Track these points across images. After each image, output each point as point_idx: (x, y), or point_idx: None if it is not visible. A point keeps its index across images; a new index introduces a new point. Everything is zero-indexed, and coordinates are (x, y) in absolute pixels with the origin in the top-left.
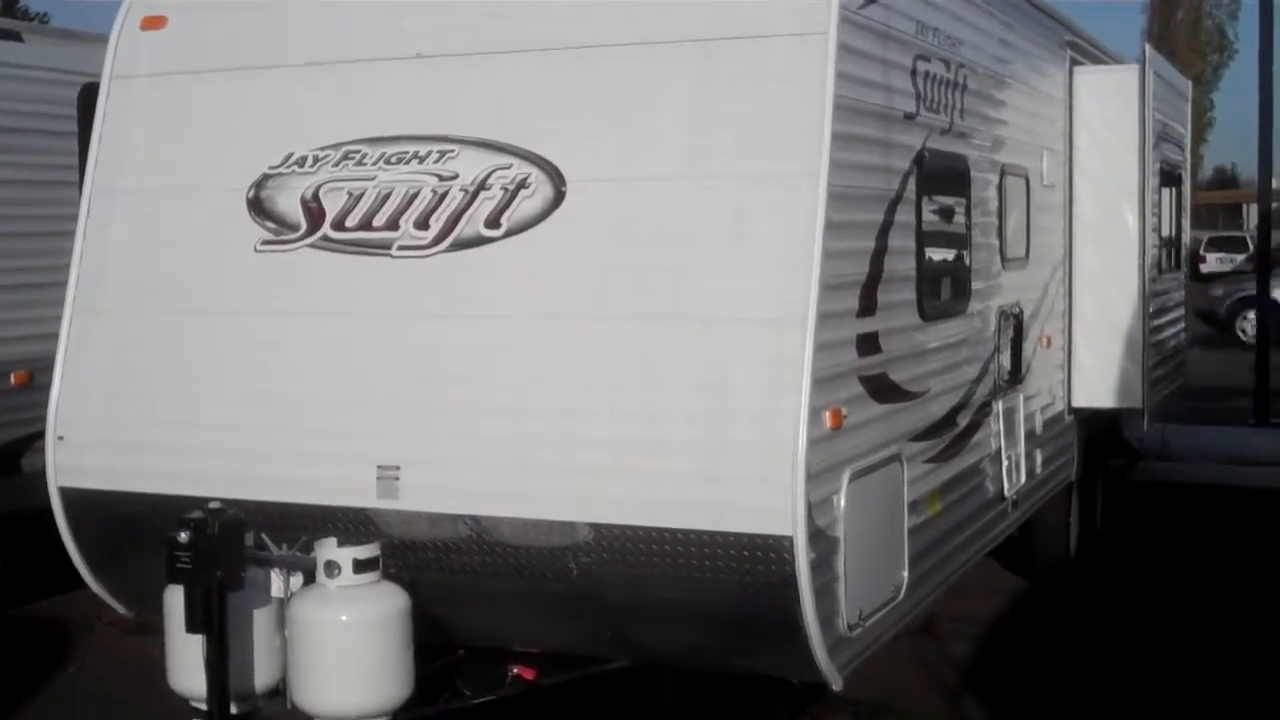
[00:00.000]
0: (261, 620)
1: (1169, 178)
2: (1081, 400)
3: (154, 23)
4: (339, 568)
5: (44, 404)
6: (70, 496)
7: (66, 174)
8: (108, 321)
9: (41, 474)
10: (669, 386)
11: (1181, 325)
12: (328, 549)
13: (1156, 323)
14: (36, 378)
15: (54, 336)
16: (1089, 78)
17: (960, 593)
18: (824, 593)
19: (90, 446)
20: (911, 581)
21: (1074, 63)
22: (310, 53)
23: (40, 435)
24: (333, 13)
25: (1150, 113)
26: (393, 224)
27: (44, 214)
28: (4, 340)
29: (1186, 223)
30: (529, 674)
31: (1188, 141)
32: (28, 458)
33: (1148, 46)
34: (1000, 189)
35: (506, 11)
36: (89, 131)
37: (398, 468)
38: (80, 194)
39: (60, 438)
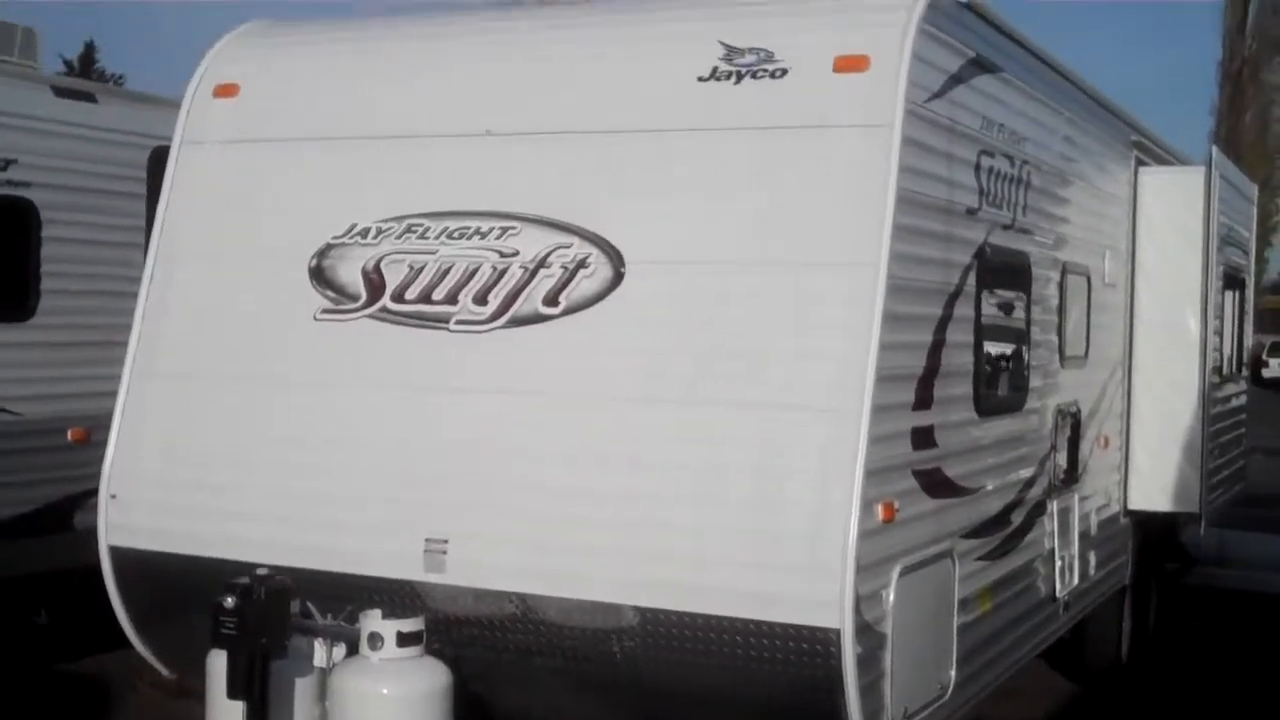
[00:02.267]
0: (303, 689)
1: (1232, 281)
2: (1138, 503)
3: (227, 91)
4: (383, 640)
5: (99, 462)
6: (120, 555)
7: (133, 235)
8: (166, 383)
9: (92, 531)
10: (720, 473)
11: (1242, 430)
12: (372, 621)
13: (1216, 427)
14: (93, 435)
15: (112, 395)
16: (1154, 178)
17: (1009, 694)
18: (870, 689)
19: (142, 507)
20: (959, 681)
21: (1139, 162)
22: (378, 126)
23: (93, 493)
24: (403, 87)
25: (1215, 215)
26: (452, 298)
27: (109, 274)
28: (63, 397)
29: (1249, 327)
30: None
31: (1252, 245)
32: (80, 515)
33: (1214, 149)
34: (1061, 286)
35: (574, 93)
36: (157, 194)
37: (446, 541)
38: (145, 256)
39: (113, 496)
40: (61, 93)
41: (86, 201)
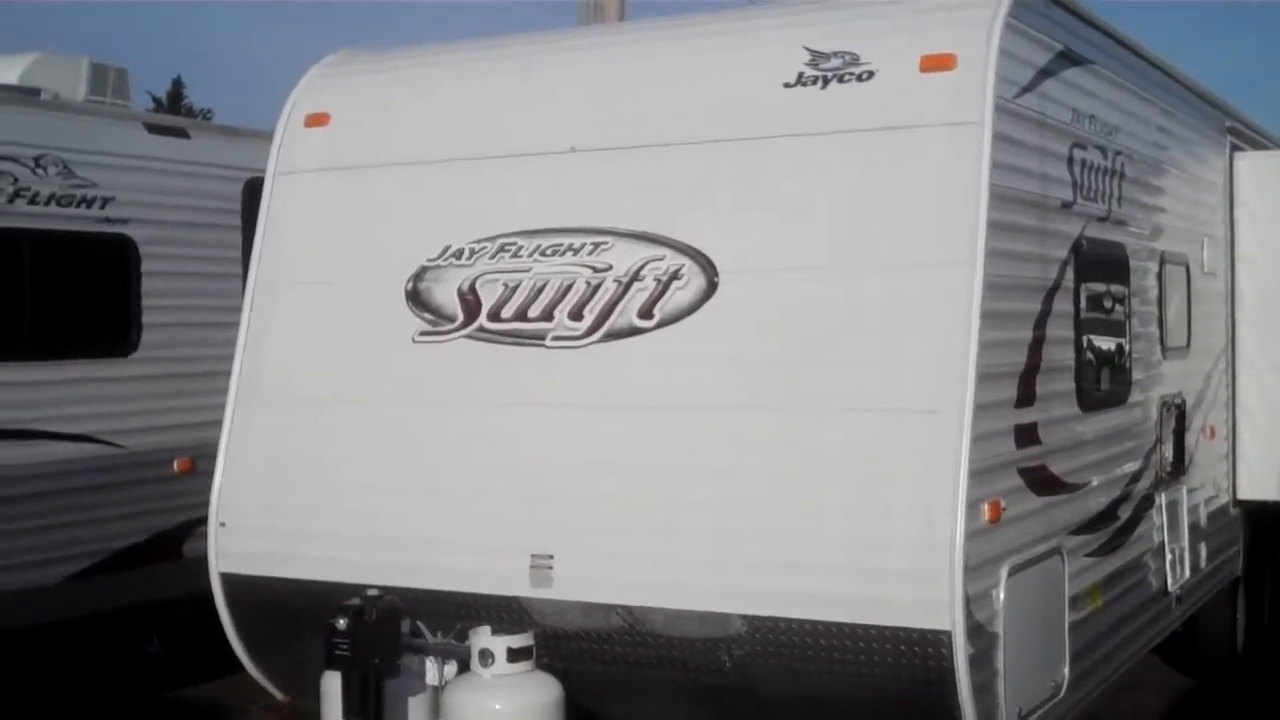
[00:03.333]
0: (417, 707)
1: None
2: (1247, 492)
3: (318, 120)
4: (493, 656)
5: (205, 491)
6: (231, 582)
7: (230, 266)
8: (269, 410)
9: (201, 559)
10: (823, 478)
11: None
12: (482, 637)
13: None
14: (199, 465)
15: (216, 424)
16: (1250, 163)
17: (1123, 690)
18: (983, 689)
19: (251, 533)
20: (1073, 678)
21: (1234, 148)
22: (466, 148)
23: (201, 521)
24: (487, 109)
25: None
26: (547, 315)
27: (207, 305)
28: (168, 428)
29: None
30: None
31: None
32: (189, 543)
33: None
34: (1160, 277)
35: (659, 106)
36: (252, 225)
37: (551, 557)
38: (243, 286)
39: (222, 524)
40: (155, 129)
41: (183, 235)
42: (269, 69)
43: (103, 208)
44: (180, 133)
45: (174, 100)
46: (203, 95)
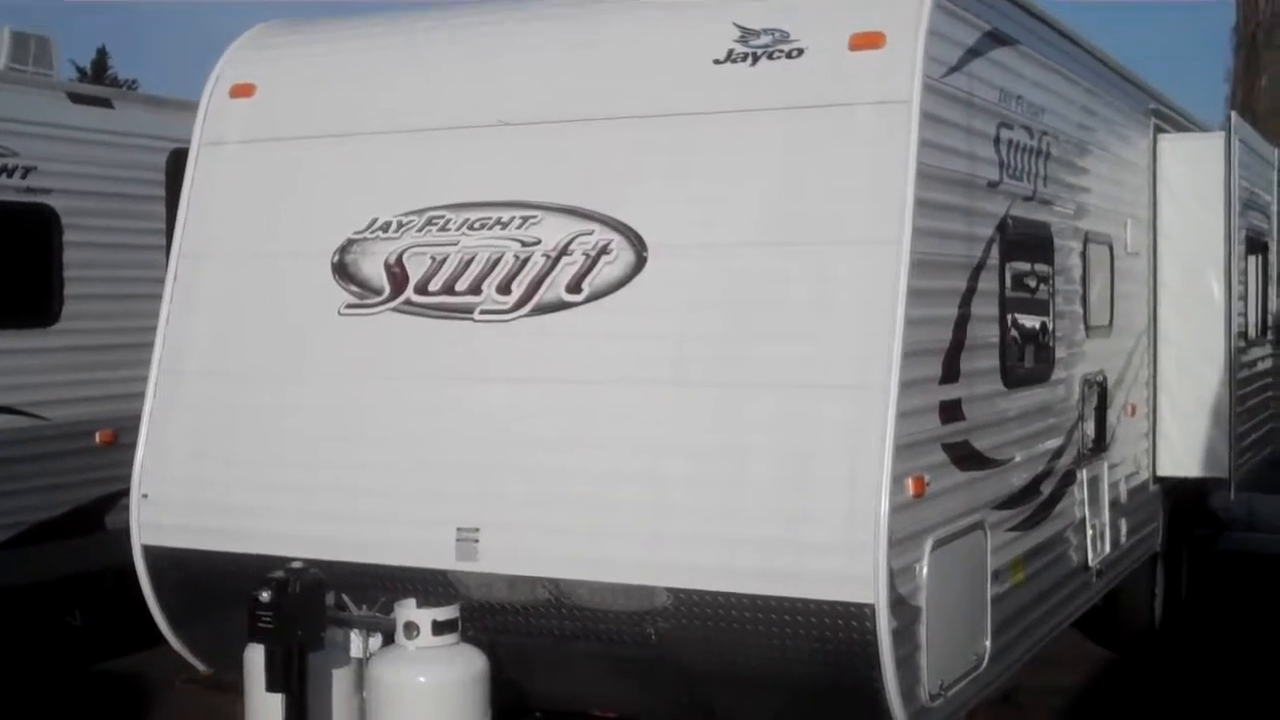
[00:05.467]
0: (341, 680)
1: (1255, 245)
2: (1167, 469)
3: (243, 91)
4: (418, 629)
5: (128, 463)
6: (153, 554)
7: (154, 238)
8: (193, 382)
9: (123, 532)
10: (749, 452)
11: (1270, 393)
12: (407, 610)
13: (1243, 391)
14: (121, 437)
15: (139, 396)
16: (1174, 145)
17: (1043, 663)
18: (905, 662)
19: (174, 505)
20: (994, 651)
21: (1158, 130)
22: (394, 120)
23: (124, 493)
24: (417, 81)
25: (1236, 180)
26: (475, 289)
27: (130, 276)
28: (90, 400)
29: (1274, 290)
30: None
31: (1274, 209)
32: (111, 515)
33: (1233, 114)
34: (1084, 256)
35: (589, 80)
36: (176, 196)
37: (477, 530)
38: (167, 258)
39: (145, 496)
40: (78, 99)
41: (106, 206)
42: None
43: (24, 177)
44: (104, 102)
45: (98, 70)
46: (128, 65)
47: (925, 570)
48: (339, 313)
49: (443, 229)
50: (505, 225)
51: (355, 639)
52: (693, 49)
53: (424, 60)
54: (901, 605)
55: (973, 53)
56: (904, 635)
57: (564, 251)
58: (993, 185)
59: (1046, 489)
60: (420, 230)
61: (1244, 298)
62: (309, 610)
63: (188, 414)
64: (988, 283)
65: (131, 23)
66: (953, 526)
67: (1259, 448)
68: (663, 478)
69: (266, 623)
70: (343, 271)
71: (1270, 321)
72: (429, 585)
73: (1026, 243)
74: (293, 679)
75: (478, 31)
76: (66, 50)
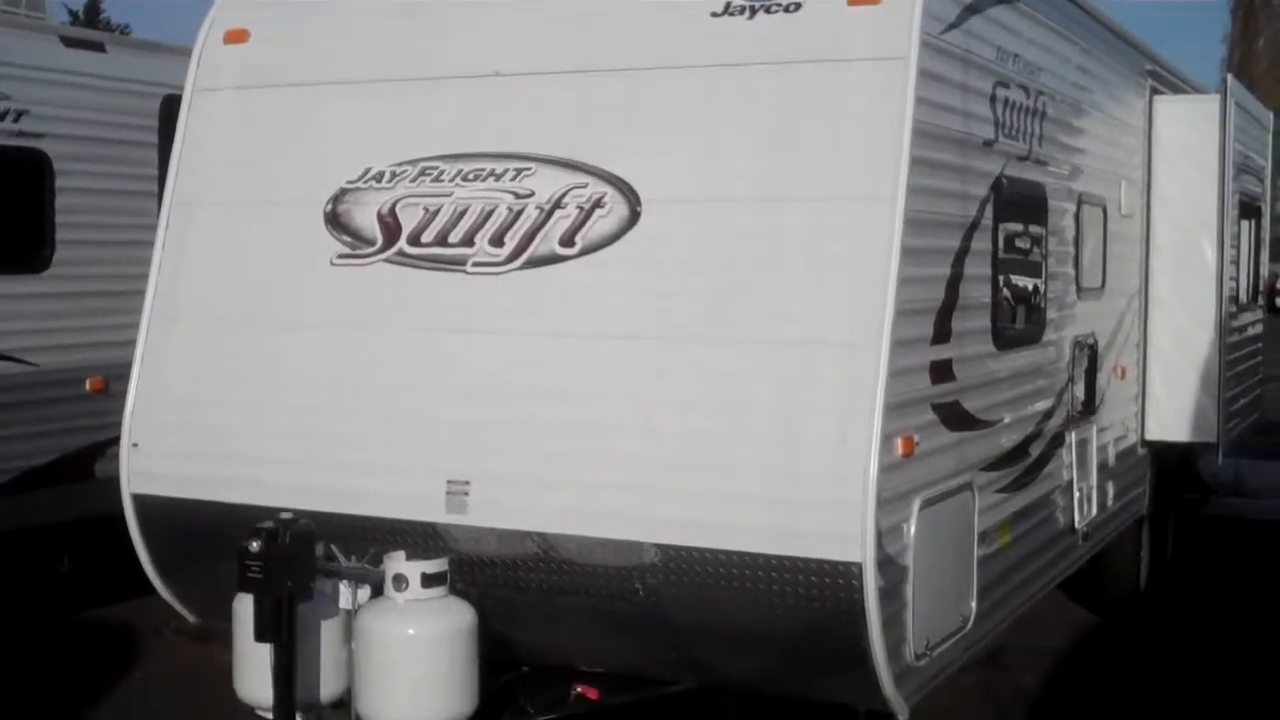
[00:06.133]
0: (329, 631)
1: (1248, 210)
2: (1155, 433)
3: (237, 37)
4: (407, 581)
5: (118, 411)
6: (143, 503)
7: (146, 184)
8: (184, 331)
9: (113, 480)
10: (740, 409)
11: (1259, 359)
12: (396, 562)
13: (1233, 356)
14: (112, 385)
15: (130, 344)
16: (1169, 107)
17: (1029, 625)
18: (892, 621)
19: (164, 454)
20: (980, 612)
21: (1154, 92)
22: (389, 69)
23: (113, 441)
24: (412, 30)
25: (1230, 143)
26: (468, 240)
27: (122, 223)
28: (81, 346)
29: (1265, 255)
30: (592, 694)
31: (1268, 173)
32: (100, 463)
33: (1229, 76)
34: (1077, 218)
35: (585, 32)
36: (169, 143)
37: (467, 483)
38: (159, 205)
39: (135, 445)
40: (71, 43)
41: (99, 151)
42: None
43: (16, 121)
44: (97, 47)
45: (91, 14)
46: (120, 10)
47: (913, 530)
48: (331, 262)
49: (436, 180)
50: (499, 177)
51: (344, 590)
52: (691, 1)
53: (420, 9)
54: (889, 564)
55: (971, 9)
56: (890, 594)
57: (557, 204)
58: (988, 144)
59: (1035, 451)
60: (414, 180)
61: (1236, 262)
62: (298, 561)
63: (179, 362)
64: (981, 243)
65: None
66: (941, 487)
67: (1247, 413)
68: (652, 433)
69: (255, 573)
70: (335, 221)
71: (1261, 286)
72: (418, 538)
73: (1020, 203)
74: (281, 629)
75: None
76: None
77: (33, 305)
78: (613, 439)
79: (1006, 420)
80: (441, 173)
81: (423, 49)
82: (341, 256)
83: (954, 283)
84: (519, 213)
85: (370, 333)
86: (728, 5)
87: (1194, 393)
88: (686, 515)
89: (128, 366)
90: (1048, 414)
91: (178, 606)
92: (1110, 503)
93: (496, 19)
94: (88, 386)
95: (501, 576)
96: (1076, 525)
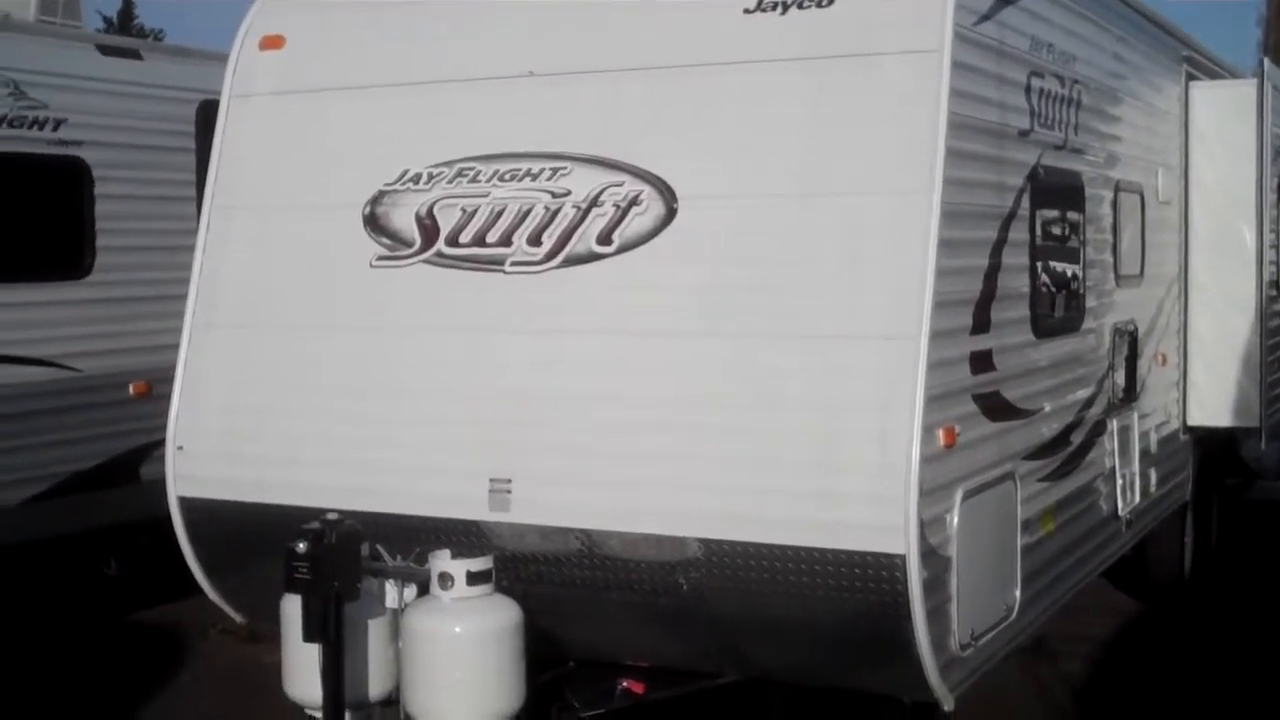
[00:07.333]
0: (376, 630)
1: None
2: (1197, 419)
3: (273, 43)
4: (452, 580)
5: (162, 414)
6: (189, 505)
7: (184, 190)
8: (226, 335)
9: (159, 482)
10: (781, 404)
11: None
12: (441, 561)
13: (1274, 340)
14: (155, 388)
15: (173, 348)
16: (1205, 92)
17: (1073, 612)
18: (936, 612)
19: (209, 457)
20: (1024, 601)
21: (1190, 77)
22: (424, 71)
23: (157, 444)
24: (446, 33)
25: (1269, 127)
26: (506, 240)
27: (161, 229)
28: (123, 351)
29: None
30: (638, 688)
31: None
32: (146, 466)
33: (1266, 60)
34: (1115, 205)
35: (618, 30)
36: (206, 148)
37: (509, 481)
38: (198, 210)
39: (180, 448)
40: (107, 51)
41: (137, 158)
42: None
43: (55, 130)
44: (133, 54)
45: (124, 20)
46: (153, 15)
47: (956, 521)
48: (370, 265)
49: (473, 180)
50: (535, 177)
51: (390, 589)
52: None
53: (453, 11)
54: (932, 556)
55: (1003, 1)
56: (934, 585)
57: (594, 203)
58: (1024, 134)
59: (1076, 439)
60: (451, 182)
61: (1275, 246)
62: (345, 561)
63: (221, 366)
64: (1018, 232)
65: None
66: (983, 477)
67: None
68: (693, 429)
69: (303, 573)
70: (374, 223)
71: None
72: (463, 536)
73: (1057, 192)
74: (329, 629)
75: None
76: (91, 1)
77: (75, 311)
78: (653, 435)
79: (1047, 409)
80: (478, 173)
81: (457, 51)
82: (380, 258)
83: (992, 273)
84: (556, 212)
85: (410, 334)
86: (760, 2)
87: (1235, 377)
88: (728, 510)
89: (170, 370)
90: (1089, 402)
91: (225, 607)
92: (1153, 489)
93: (529, 19)
94: (131, 391)
95: (545, 573)
96: (1120, 513)
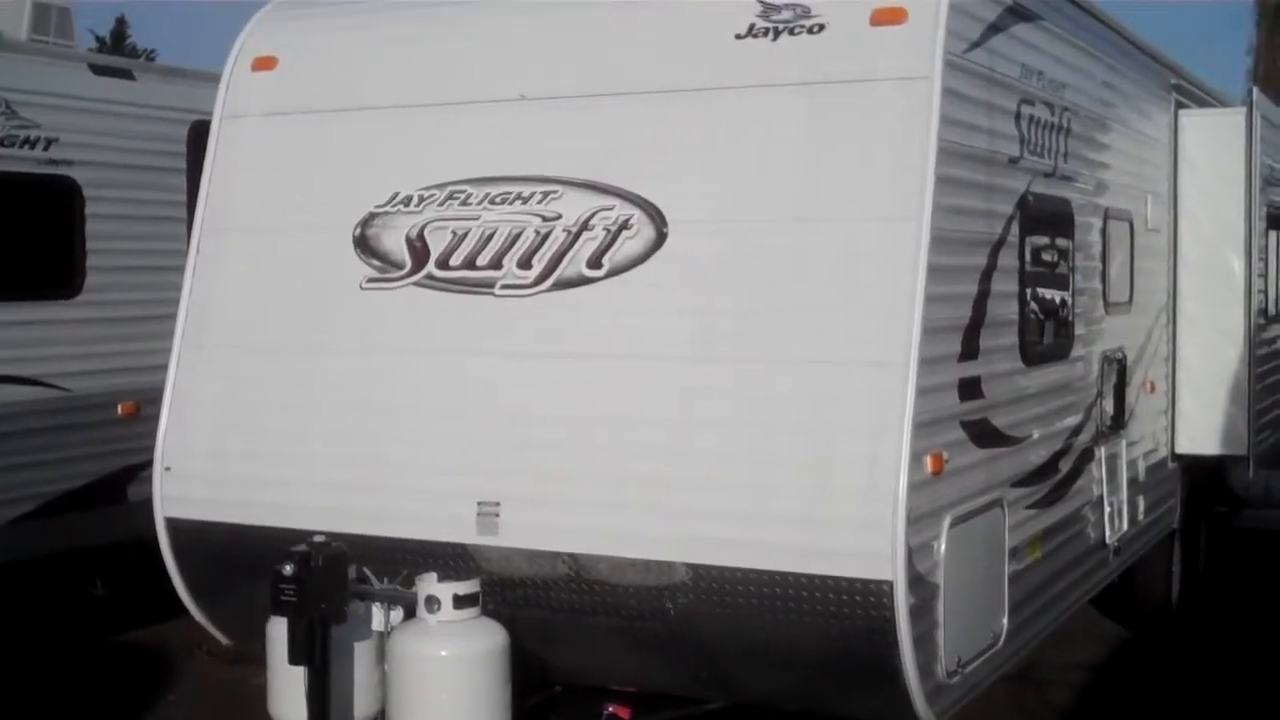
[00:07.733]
0: (362, 653)
1: (1276, 221)
2: (1185, 446)
3: (265, 64)
4: (439, 603)
5: (150, 434)
6: (176, 526)
7: (175, 210)
8: (215, 356)
9: (145, 503)
10: (769, 429)
11: None
12: (428, 584)
13: (1262, 369)
14: (143, 409)
15: (161, 369)
16: (1194, 120)
17: (1060, 640)
18: (923, 639)
19: (196, 478)
20: (1011, 629)
21: (1179, 105)
22: (416, 94)
23: (145, 465)
24: (438, 56)
25: (1257, 156)
26: (496, 263)
27: (152, 249)
28: (112, 371)
29: None
30: (624, 713)
31: None
32: (133, 487)
33: (1254, 89)
34: (1104, 233)
35: (609, 55)
36: (198, 168)
37: (498, 504)
38: (188, 230)
39: (167, 469)
40: (100, 70)
41: (128, 178)
42: (213, 9)
43: (47, 149)
44: (125, 74)
45: (117, 40)
46: (146, 35)
47: (943, 547)
48: (360, 287)
49: (464, 203)
50: (526, 200)
51: (377, 612)
52: (714, 23)
53: (445, 34)
54: (919, 582)
55: (994, 28)
56: (922, 612)
57: (585, 227)
58: (1013, 161)
59: (1065, 466)
60: (441, 204)
61: (1264, 274)
62: (331, 583)
63: (210, 387)
64: (1007, 259)
65: None
66: (971, 504)
67: (1278, 425)
68: (682, 454)
69: (289, 596)
70: (364, 245)
71: None
72: (450, 559)
73: (1047, 219)
74: (315, 652)
75: (499, 5)
76: (84, 19)
77: (64, 331)
78: (641, 459)
79: (1036, 436)
80: (469, 196)
81: (448, 74)
82: (371, 281)
83: (981, 300)
84: (546, 235)
85: (400, 356)
86: (751, 27)
87: (1224, 406)
88: (717, 534)
89: (159, 391)
90: (1077, 429)
91: (211, 629)
92: (1141, 517)
93: (521, 43)
94: (119, 411)
95: (533, 597)
96: (1107, 540)
